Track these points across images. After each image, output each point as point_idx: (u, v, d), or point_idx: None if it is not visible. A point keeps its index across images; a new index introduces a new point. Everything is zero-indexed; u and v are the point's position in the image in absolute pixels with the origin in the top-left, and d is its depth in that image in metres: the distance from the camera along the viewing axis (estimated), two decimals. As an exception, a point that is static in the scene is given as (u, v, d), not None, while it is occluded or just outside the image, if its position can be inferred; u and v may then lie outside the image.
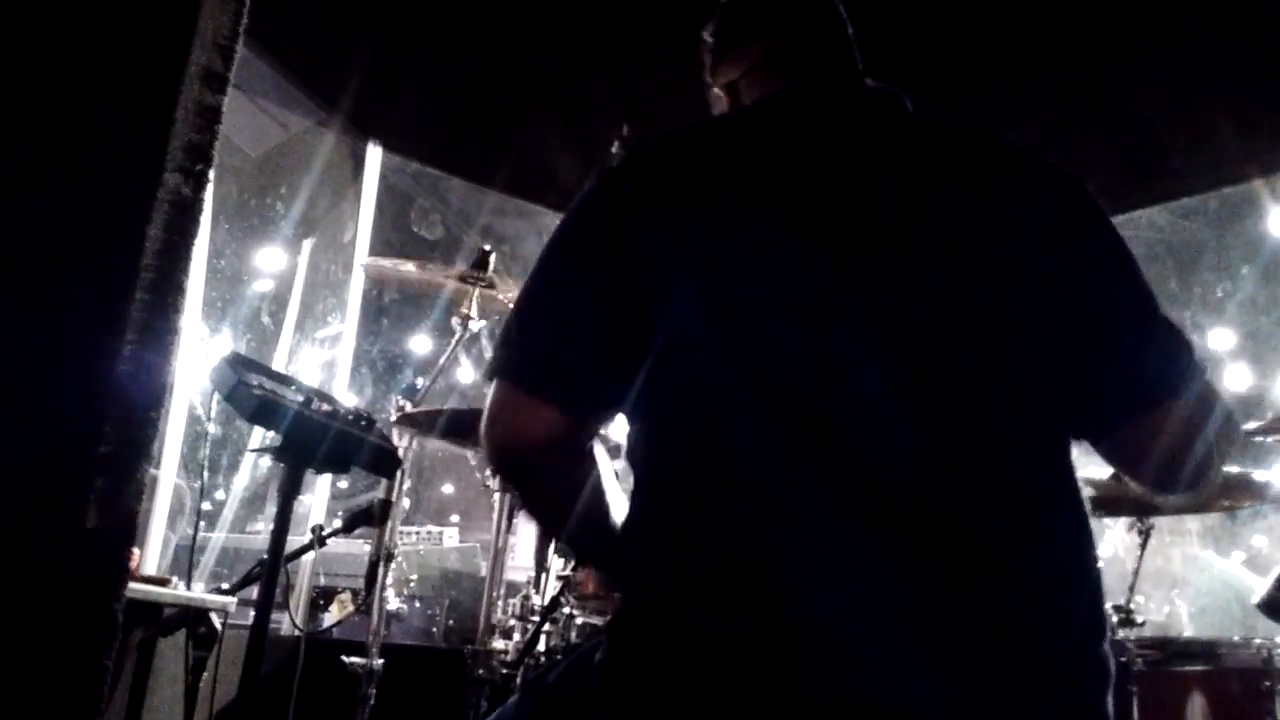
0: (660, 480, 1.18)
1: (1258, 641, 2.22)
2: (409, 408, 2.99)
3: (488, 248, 3.30)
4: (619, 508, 1.26)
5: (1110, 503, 2.77)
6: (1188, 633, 3.77)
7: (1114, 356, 1.21)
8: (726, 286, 1.16)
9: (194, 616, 2.51)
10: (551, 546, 2.96)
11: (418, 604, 4.63)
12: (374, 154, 4.80)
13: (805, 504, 1.07)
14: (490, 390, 1.24)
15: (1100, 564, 1.18)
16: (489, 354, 1.26)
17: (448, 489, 7.25)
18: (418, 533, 5.31)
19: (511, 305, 1.28)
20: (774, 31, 1.44)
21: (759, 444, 1.10)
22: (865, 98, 1.35)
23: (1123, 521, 2.84)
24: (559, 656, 2.68)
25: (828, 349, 1.12)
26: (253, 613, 1.87)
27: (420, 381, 3.16)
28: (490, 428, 1.23)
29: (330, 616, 4.25)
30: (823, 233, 1.17)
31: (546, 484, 1.27)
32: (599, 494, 1.26)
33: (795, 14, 1.45)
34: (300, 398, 1.88)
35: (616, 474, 1.29)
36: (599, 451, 1.28)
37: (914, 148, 1.29)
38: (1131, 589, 2.71)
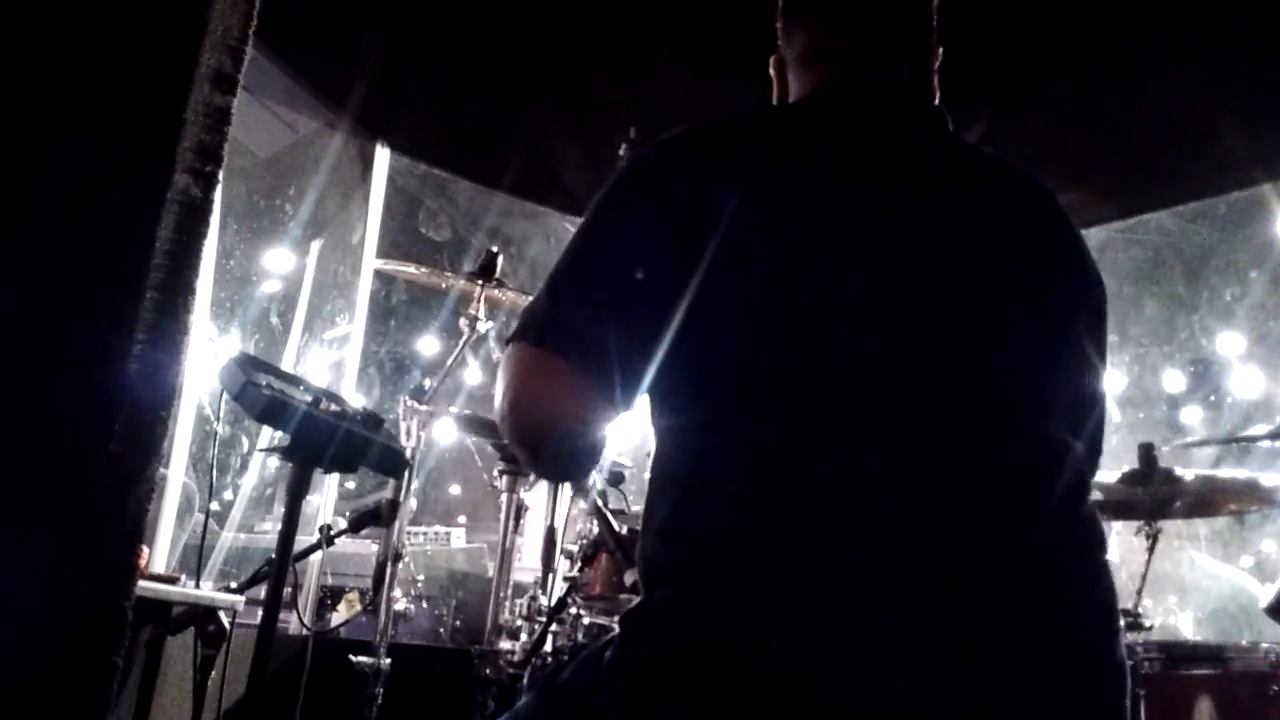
0: (689, 475, 1.15)
1: (1265, 645, 2.21)
2: (417, 407, 3.00)
3: (495, 249, 3.31)
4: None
5: (1118, 507, 2.77)
6: (1187, 638, 3.76)
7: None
8: (779, 280, 1.14)
9: (202, 615, 2.52)
10: (558, 549, 2.97)
11: (425, 604, 4.63)
12: (382, 155, 4.81)
13: (837, 515, 1.06)
14: (515, 354, 1.17)
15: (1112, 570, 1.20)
16: (498, 354, 1.23)
17: (455, 490, 7.25)
18: (425, 533, 5.31)
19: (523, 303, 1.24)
20: (832, 12, 1.39)
21: (801, 444, 1.09)
22: (908, 108, 1.34)
23: (1129, 525, 2.84)
24: (565, 657, 2.69)
25: (878, 355, 1.12)
26: (261, 612, 1.88)
27: (428, 382, 3.16)
28: (515, 396, 1.15)
29: (338, 616, 4.26)
30: (879, 245, 1.18)
31: (567, 463, 1.20)
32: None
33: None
34: (308, 398, 1.88)
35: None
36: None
37: (962, 170, 1.31)
38: (1139, 593, 2.70)
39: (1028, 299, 1.24)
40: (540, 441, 1.18)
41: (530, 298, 1.26)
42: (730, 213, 1.15)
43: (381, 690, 2.81)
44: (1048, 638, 1.08)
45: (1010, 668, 1.05)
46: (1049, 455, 1.17)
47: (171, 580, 2.59)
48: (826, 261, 1.16)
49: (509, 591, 3.06)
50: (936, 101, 1.40)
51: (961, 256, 1.21)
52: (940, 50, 1.41)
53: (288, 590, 1.92)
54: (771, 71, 1.45)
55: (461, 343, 3.26)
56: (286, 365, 5.08)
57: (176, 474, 3.63)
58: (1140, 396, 6.47)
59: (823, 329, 1.13)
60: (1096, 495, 2.26)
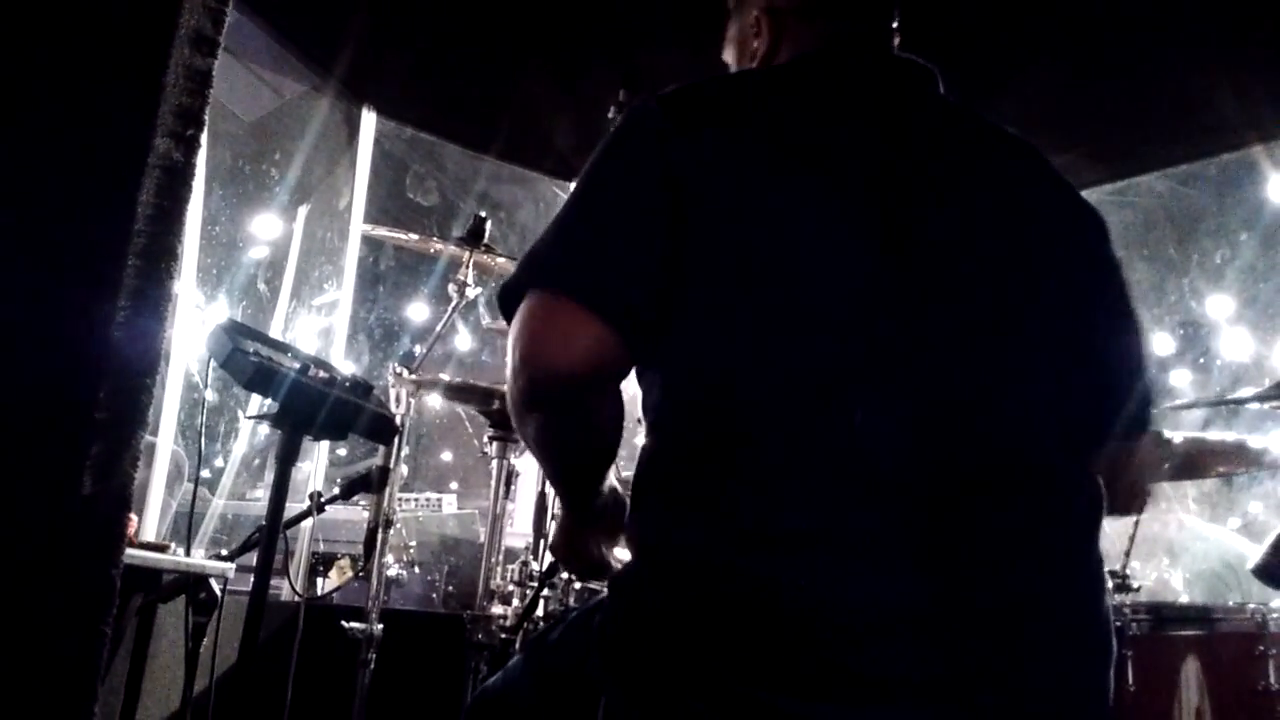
0: (680, 438, 1.15)
1: (1252, 606, 2.22)
2: (406, 374, 2.99)
3: (483, 214, 3.29)
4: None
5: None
6: (1181, 599, 3.79)
7: (1113, 385, 1.29)
8: (770, 245, 1.14)
9: (193, 583, 2.52)
10: (549, 514, 2.97)
11: (417, 570, 4.66)
12: (368, 120, 4.76)
13: (830, 474, 1.06)
14: (526, 302, 1.12)
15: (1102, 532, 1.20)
16: (487, 319, 1.20)
17: (446, 456, 7.26)
18: (416, 499, 5.32)
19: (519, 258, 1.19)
20: None
21: (788, 409, 1.09)
22: (904, 69, 1.35)
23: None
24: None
25: (869, 321, 1.12)
26: (252, 579, 1.88)
27: (418, 348, 3.15)
28: (530, 344, 1.10)
29: (330, 582, 4.27)
30: (871, 209, 1.17)
31: (584, 418, 1.16)
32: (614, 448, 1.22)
33: None
34: (297, 365, 1.87)
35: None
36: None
37: (956, 133, 1.31)
38: (1127, 555, 2.72)
39: (1018, 253, 1.24)
40: (554, 392, 1.11)
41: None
42: (727, 173, 1.15)
43: (374, 656, 2.82)
44: (1033, 606, 1.09)
45: (997, 639, 1.05)
46: (1037, 413, 1.17)
47: (162, 548, 2.58)
48: (821, 227, 1.15)
49: (501, 557, 3.07)
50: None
51: (955, 216, 1.21)
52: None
53: (279, 557, 1.92)
54: (753, 21, 1.43)
55: (450, 308, 3.25)
56: (275, 332, 5.06)
57: (166, 442, 3.61)
58: (1129, 359, 6.47)
59: (823, 290, 1.12)
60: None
